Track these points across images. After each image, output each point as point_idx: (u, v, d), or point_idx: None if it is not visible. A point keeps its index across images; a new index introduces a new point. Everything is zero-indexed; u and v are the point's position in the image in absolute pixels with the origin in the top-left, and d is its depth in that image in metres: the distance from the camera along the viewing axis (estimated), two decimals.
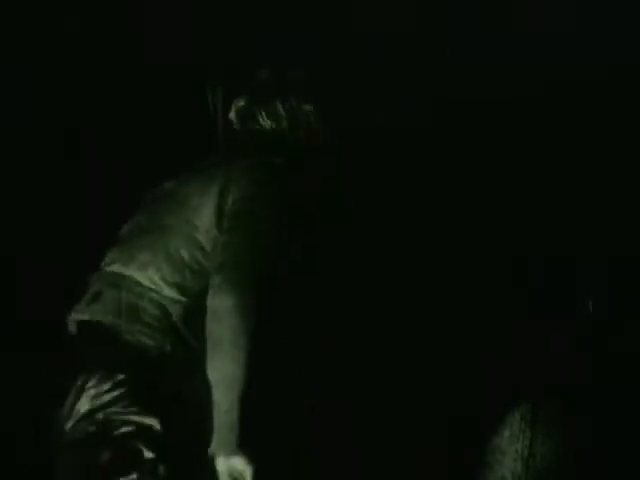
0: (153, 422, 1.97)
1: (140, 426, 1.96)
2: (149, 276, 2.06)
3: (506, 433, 3.09)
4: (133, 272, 2.10)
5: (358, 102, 3.50)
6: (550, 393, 3.17)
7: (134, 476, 1.94)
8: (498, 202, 3.61)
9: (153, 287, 2.06)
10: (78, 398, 2.03)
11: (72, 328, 2.20)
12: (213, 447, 1.93)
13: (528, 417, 3.06)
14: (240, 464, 1.91)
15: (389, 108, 3.55)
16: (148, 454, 1.95)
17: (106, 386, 2.00)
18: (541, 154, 3.60)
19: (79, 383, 2.05)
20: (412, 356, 3.42)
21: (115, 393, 1.99)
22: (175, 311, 2.04)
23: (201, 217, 2.14)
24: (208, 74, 2.55)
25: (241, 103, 2.45)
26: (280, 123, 2.39)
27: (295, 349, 2.14)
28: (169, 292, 2.06)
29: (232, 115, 2.47)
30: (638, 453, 3.04)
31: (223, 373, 1.91)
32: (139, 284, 2.08)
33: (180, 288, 2.06)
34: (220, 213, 2.12)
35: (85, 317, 2.14)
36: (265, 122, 2.40)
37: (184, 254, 2.09)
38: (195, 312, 2.01)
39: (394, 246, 3.58)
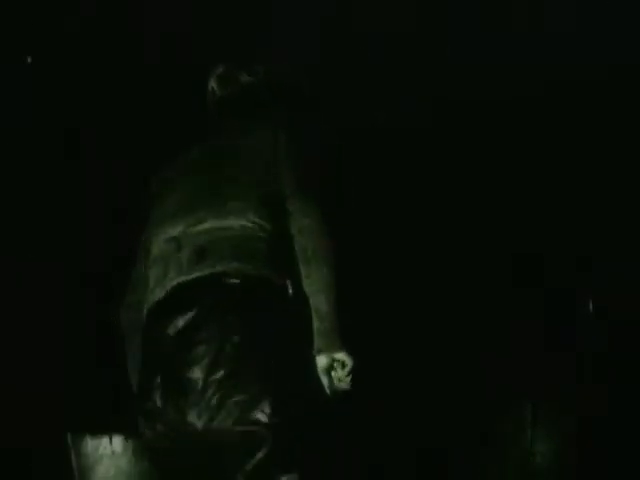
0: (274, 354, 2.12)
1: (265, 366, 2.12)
2: (250, 219, 2.23)
3: (506, 432, 3.09)
4: (234, 221, 2.23)
5: (358, 102, 3.51)
6: (550, 393, 3.17)
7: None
8: (498, 202, 3.61)
9: (257, 227, 2.22)
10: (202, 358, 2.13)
11: (159, 295, 2.25)
12: (318, 348, 2.16)
13: (528, 417, 3.06)
14: (342, 356, 2.16)
15: (389, 108, 3.56)
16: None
17: (230, 338, 2.12)
18: (541, 154, 3.60)
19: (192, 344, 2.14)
20: (412, 356, 3.42)
21: (237, 337, 2.11)
22: (276, 242, 2.23)
23: (266, 156, 2.32)
24: (208, 74, 2.56)
25: (220, 70, 2.52)
26: (258, 77, 2.48)
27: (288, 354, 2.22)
28: (268, 227, 2.23)
29: (212, 83, 2.53)
30: (638, 453, 3.04)
31: (322, 281, 2.17)
32: (246, 228, 2.22)
33: (271, 222, 2.24)
34: (278, 148, 2.33)
35: (197, 275, 2.21)
36: (245, 79, 2.48)
37: (264, 193, 2.27)
38: (284, 239, 2.23)
39: (394, 246, 3.58)
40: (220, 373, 2.07)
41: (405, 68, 3.52)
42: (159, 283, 2.23)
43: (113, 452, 3.03)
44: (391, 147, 3.55)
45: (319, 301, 2.17)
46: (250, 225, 2.22)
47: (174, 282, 2.20)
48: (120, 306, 2.39)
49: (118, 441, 3.04)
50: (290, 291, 2.20)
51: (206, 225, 2.25)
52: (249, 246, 2.20)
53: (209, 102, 2.56)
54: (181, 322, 2.13)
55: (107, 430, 3.07)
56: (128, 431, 3.05)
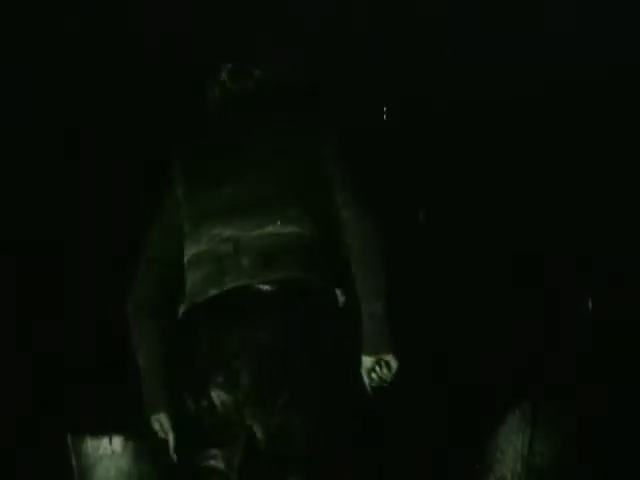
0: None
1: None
2: (308, 228, 2.27)
3: (506, 432, 3.09)
4: (294, 228, 2.27)
5: (358, 102, 3.50)
6: (550, 393, 3.17)
7: None
8: (498, 202, 3.61)
9: (315, 237, 2.27)
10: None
11: (211, 293, 2.27)
12: (368, 349, 2.23)
13: (528, 417, 3.06)
14: (389, 357, 2.24)
15: (389, 108, 3.55)
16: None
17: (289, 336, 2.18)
18: (541, 154, 3.60)
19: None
20: (411, 356, 3.41)
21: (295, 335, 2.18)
22: (327, 249, 2.28)
23: (311, 157, 2.35)
24: (208, 74, 2.56)
25: (230, 65, 2.53)
26: (268, 71, 2.50)
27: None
28: (319, 235, 2.27)
29: (224, 77, 2.53)
30: (638, 453, 3.04)
31: (377, 286, 2.24)
32: (304, 237, 2.26)
33: (325, 228, 2.29)
34: (325, 151, 2.36)
35: (261, 279, 2.24)
36: (258, 72, 2.49)
37: (316, 197, 2.31)
38: (335, 245, 2.30)
39: (394, 246, 3.58)
40: (281, 392, 2.13)
41: (405, 68, 3.52)
42: (212, 282, 2.25)
43: (113, 452, 3.02)
44: (391, 147, 3.55)
45: (371, 304, 2.23)
46: (307, 233, 2.26)
47: (237, 283, 2.23)
48: (128, 301, 2.39)
49: (118, 441, 3.04)
50: (342, 299, 2.25)
51: (266, 230, 2.27)
52: (306, 254, 2.25)
53: (215, 95, 2.54)
54: (241, 327, 2.17)
55: (107, 430, 3.06)
56: (128, 431, 3.04)
